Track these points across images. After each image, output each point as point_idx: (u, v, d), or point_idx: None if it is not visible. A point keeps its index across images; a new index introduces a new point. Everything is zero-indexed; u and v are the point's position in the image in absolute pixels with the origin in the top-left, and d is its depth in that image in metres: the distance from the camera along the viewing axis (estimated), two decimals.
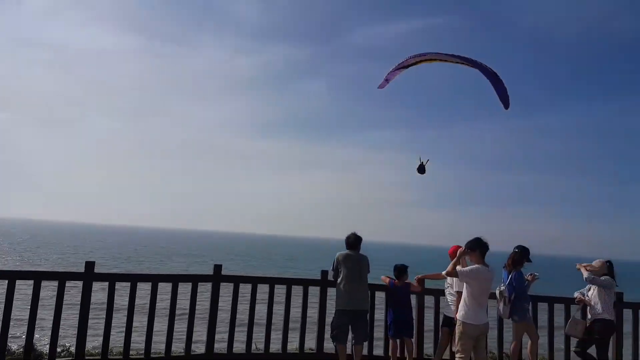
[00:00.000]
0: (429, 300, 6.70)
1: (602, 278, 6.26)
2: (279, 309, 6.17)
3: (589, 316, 6.32)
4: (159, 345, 5.82)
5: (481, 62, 6.01)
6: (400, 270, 6.45)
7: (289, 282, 6.43)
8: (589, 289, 6.49)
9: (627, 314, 6.60)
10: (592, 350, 6.32)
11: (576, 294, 6.57)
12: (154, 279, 5.78)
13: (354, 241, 6.20)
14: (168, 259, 46.89)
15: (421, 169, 7.10)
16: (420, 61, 6.73)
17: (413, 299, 6.59)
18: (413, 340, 6.41)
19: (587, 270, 6.41)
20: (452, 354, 6.03)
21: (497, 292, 6.33)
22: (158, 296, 5.70)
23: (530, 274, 6.53)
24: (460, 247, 5.65)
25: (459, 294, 5.61)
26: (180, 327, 5.86)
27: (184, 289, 5.92)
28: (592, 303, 6.29)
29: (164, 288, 5.77)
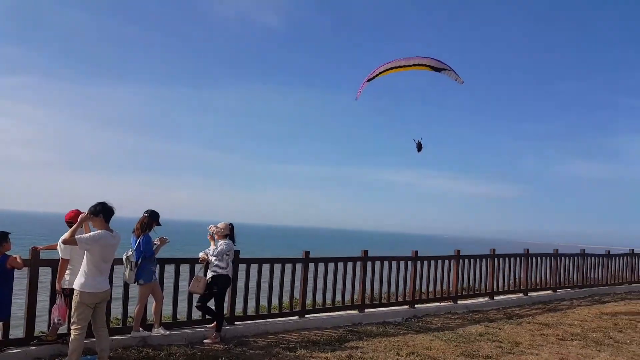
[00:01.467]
0: (45, 273, 5.94)
1: (223, 243, 6.98)
2: None
3: (210, 273, 6.99)
4: None
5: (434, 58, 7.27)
6: None
7: None
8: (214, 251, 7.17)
9: (242, 268, 7.64)
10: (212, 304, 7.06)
11: (201, 254, 7.14)
12: None
13: None
14: None
15: (419, 147, 8.26)
16: (385, 71, 7.49)
17: (20, 273, 5.74)
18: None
19: (214, 229, 7.06)
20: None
21: (124, 257, 6.25)
22: None
23: (160, 238, 6.71)
24: (80, 211, 5.40)
25: (65, 261, 5.49)
26: None
27: None
28: (213, 261, 6.97)
29: None
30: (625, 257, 14.67)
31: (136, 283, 6.38)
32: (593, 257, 13.73)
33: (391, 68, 7.88)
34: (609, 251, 14.47)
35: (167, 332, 6.60)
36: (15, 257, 5.49)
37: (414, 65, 7.80)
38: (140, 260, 6.29)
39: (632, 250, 15.15)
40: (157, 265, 6.70)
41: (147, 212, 6.51)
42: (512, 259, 11.66)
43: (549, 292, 12.36)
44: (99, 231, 5.10)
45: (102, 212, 5.11)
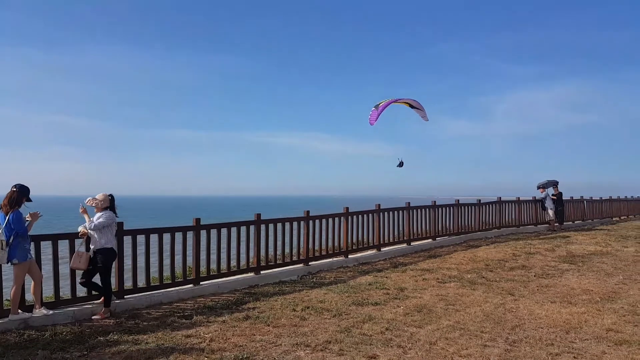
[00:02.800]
0: None
1: (103, 215, 6.65)
2: None
3: (92, 247, 6.66)
4: None
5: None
6: None
7: None
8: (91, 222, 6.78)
9: (128, 240, 7.37)
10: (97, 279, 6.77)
11: (80, 228, 6.74)
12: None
13: None
14: None
15: (401, 165, 11.87)
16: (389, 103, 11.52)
17: None
18: None
19: (92, 202, 6.68)
20: None
21: None
22: None
23: (31, 213, 6.23)
24: None
25: None
26: None
27: None
28: (93, 234, 6.64)
29: None
30: (494, 205, 16.58)
31: (9, 263, 5.90)
32: (466, 207, 15.35)
33: (392, 101, 11.64)
34: (480, 200, 16.26)
35: (51, 312, 6.26)
36: None
37: (403, 101, 11.87)
38: (11, 238, 5.80)
39: (500, 198, 17.17)
40: (32, 243, 6.23)
41: (15, 186, 5.98)
42: (396, 212, 12.62)
43: (429, 240, 13.66)
44: None
45: None
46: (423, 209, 13.59)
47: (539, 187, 18.67)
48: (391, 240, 12.48)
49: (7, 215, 5.87)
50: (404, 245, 12.76)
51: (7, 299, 6.27)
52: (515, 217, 17.44)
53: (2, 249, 5.74)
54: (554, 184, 18.82)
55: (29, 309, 6.22)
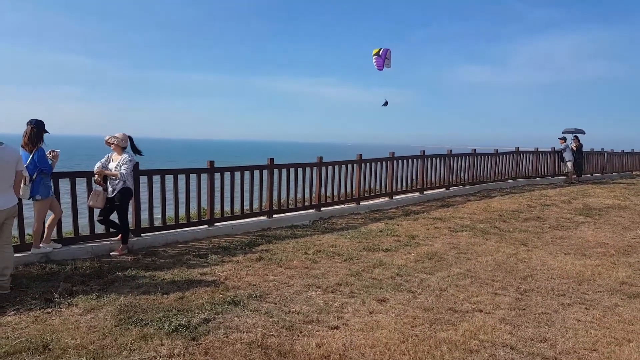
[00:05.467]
0: None
1: (126, 161, 6.81)
2: None
3: (110, 187, 6.84)
4: None
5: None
6: None
7: None
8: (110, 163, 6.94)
9: (144, 180, 7.56)
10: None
11: (97, 167, 6.89)
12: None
13: None
14: None
15: (385, 104, 13.15)
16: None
17: None
18: None
19: (111, 140, 6.83)
20: None
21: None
22: None
23: (51, 151, 6.37)
24: None
25: None
26: None
27: None
28: (117, 173, 6.79)
29: None
30: (511, 155, 16.49)
31: (32, 199, 6.12)
32: (483, 156, 15.30)
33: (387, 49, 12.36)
34: (497, 150, 16.16)
35: (59, 246, 6.60)
36: None
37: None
38: (35, 175, 5.99)
39: (518, 148, 17.03)
40: (52, 179, 6.43)
41: (30, 122, 6.05)
42: (410, 160, 12.65)
43: (443, 189, 13.75)
44: None
45: None
46: (438, 158, 13.58)
47: (563, 133, 18.49)
48: (404, 188, 12.58)
49: (31, 153, 6.00)
50: (417, 193, 12.86)
51: (28, 234, 6.56)
52: (533, 168, 17.38)
53: (25, 184, 5.92)
54: (580, 132, 18.59)
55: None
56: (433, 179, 13.54)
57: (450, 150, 14.35)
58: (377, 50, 12.25)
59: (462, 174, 14.53)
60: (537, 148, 17.83)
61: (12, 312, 4.62)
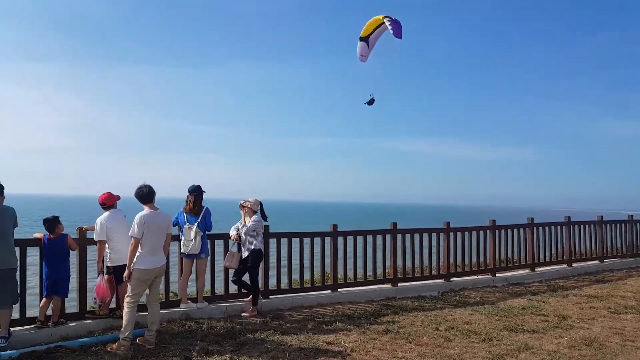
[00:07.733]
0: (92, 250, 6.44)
1: (252, 222, 7.24)
2: None
3: (243, 249, 7.27)
4: None
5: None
6: (52, 222, 5.98)
7: None
8: (243, 226, 7.39)
9: (272, 242, 7.91)
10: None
11: (232, 232, 7.42)
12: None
13: None
14: None
15: (371, 102, 9.03)
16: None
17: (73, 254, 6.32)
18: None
19: (245, 205, 7.37)
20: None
21: (185, 229, 6.95)
22: None
23: None
24: (113, 194, 6.27)
25: (101, 242, 6.14)
26: None
27: None
28: (245, 239, 7.27)
29: None
30: None
31: (196, 258, 7.00)
32: None
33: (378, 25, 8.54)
34: None
35: (205, 303, 7.12)
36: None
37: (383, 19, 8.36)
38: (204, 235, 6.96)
39: None
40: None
41: (192, 189, 7.06)
42: (553, 227, 11.59)
43: (596, 262, 12.27)
44: (143, 213, 5.60)
45: (148, 195, 5.70)
46: (587, 225, 12.27)
47: None
48: (547, 259, 11.49)
49: (198, 215, 6.97)
50: (564, 266, 11.64)
51: (172, 291, 7.18)
52: None
53: (193, 239, 6.80)
54: None
55: (193, 301, 7.12)
56: (582, 250, 12.19)
57: (601, 217, 12.88)
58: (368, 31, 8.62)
59: (617, 244, 12.89)
60: None
61: None
